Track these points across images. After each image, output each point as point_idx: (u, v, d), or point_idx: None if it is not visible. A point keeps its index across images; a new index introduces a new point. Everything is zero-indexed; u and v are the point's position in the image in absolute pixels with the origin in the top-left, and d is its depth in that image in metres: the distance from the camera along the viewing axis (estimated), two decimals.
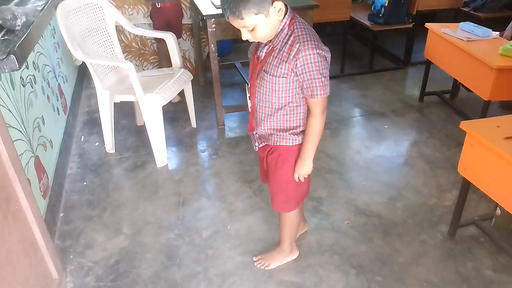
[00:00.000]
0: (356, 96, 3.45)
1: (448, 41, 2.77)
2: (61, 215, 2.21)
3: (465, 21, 2.92)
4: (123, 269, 1.89)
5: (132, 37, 3.49)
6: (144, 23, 3.43)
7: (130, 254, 1.97)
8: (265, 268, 1.87)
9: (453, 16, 3.99)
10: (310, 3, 2.76)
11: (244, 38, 1.32)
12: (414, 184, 2.40)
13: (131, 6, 3.36)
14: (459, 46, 2.67)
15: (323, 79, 1.34)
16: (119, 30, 3.16)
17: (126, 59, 3.44)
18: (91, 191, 2.38)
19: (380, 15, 3.58)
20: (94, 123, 3.03)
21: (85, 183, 2.44)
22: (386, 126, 2.98)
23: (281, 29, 1.32)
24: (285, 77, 1.35)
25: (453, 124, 2.97)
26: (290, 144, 1.52)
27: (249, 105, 1.54)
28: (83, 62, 3.18)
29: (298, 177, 1.57)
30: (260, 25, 1.26)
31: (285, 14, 1.32)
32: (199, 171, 2.56)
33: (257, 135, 1.59)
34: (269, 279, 1.84)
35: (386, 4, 3.51)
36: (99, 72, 2.51)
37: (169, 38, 2.71)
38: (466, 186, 1.90)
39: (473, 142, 1.73)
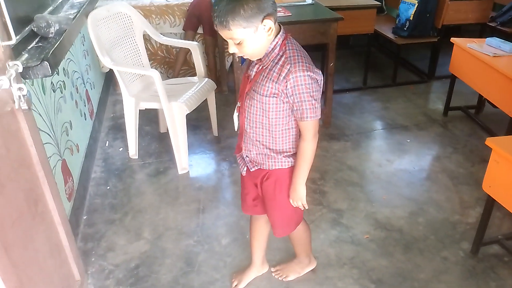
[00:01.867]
0: (378, 108, 3.43)
1: (474, 56, 2.74)
2: (84, 217, 2.26)
3: (492, 36, 2.88)
4: (143, 273, 1.92)
5: (158, 45, 3.57)
6: (170, 33, 3.51)
7: (150, 259, 2.00)
8: (284, 280, 1.87)
9: (479, 30, 3.94)
10: (335, 15, 2.78)
11: (230, 51, 1.29)
12: (436, 199, 2.37)
13: (158, 16, 3.45)
14: (485, 61, 2.64)
15: (313, 101, 1.30)
16: (146, 38, 3.23)
17: (152, 67, 3.51)
18: (114, 195, 2.43)
19: (405, 28, 3.57)
20: (118, 128, 3.10)
21: (108, 187, 2.49)
22: (408, 140, 2.95)
23: (272, 49, 1.29)
24: (275, 97, 1.31)
25: (478, 140, 2.92)
26: (286, 167, 1.46)
27: (236, 125, 1.50)
28: (110, 69, 3.28)
29: (295, 202, 1.51)
30: (247, 40, 1.23)
31: (278, 33, 1.29)
32: (220, 179, 2.59)
33: (247, 158, 1.51)
34: None
35: (411, 18, 3.50)
36: (126, 79, 2.57)
37: (194, 47, 2.77)
38: (490, 204, 1.86)
39: (499, 159, 1.70)
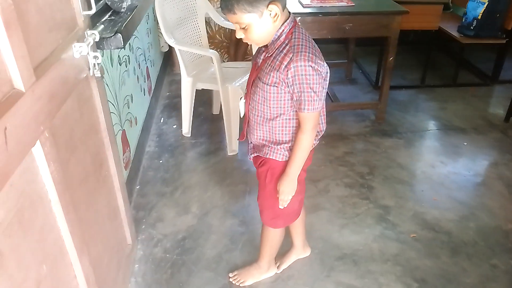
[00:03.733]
0: (434, 108, 3.33)
1: None
2: (137, 187, 2.37)
3: None
4: (189, 245, 2.00)
5: (216, 29, 3.62)
6: None
7: (197, 233, 2.07)
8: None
9: None
10: (399, 8, 2.71)
11: (237, 36, 1.29)
12: (490, 206, 2.28)
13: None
14: None
15: (312, 94, 1.26)
16: (205, 21, 3.31)
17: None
18: (166, 169, 2.52)
19: (472, 27, 3.41)
20: (173, 107, 3.20)
21: (161, 161, 2.59)
22: (465, 143, 2.85)
23: (278, 36, 1.27)
24: (276, 86, 1.29)
25: None
26: (280, 160, 1.44)
27: (242, 112, 1.49)
28: (169, 49, 3.37)
29: (282, 198, 1.47)
30: (253, 25, 1.22)
31: (285, 21, 1.27)
32: None
33: (251, 144, 1.54)
34: (328, 278, 1.85)
35: (479, 17, 3.34)
36: (186, 59, 2.64)
37: None
38: None
39: None
